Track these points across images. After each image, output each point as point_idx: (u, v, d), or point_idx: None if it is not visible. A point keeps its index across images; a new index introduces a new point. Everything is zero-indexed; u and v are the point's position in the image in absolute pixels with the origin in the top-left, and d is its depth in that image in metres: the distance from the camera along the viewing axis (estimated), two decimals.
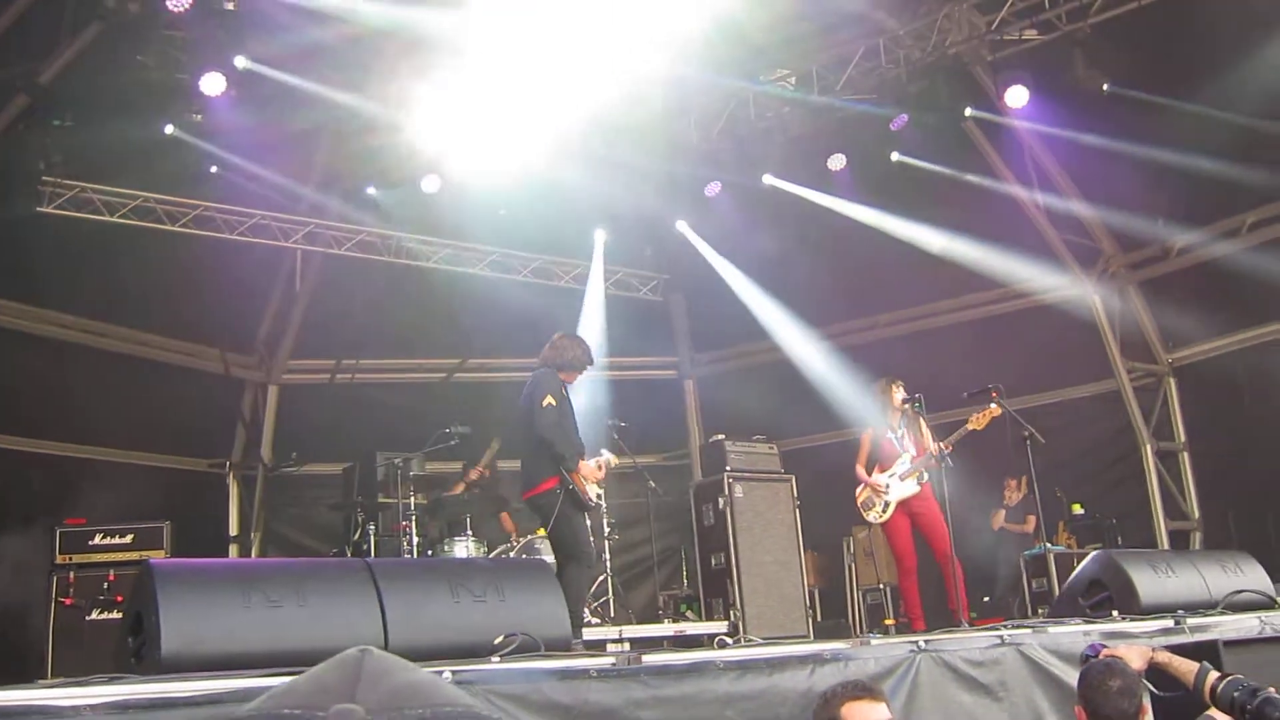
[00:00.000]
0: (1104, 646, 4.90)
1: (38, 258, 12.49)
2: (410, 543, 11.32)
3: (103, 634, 9.96)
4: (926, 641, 5.68)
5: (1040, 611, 10.67)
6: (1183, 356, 14.40)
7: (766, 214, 14.93)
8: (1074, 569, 8.86)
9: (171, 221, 13.10)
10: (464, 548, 11.08)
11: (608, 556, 11.76)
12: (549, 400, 8.20)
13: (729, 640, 7.64)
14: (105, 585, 10.38)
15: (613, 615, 11.45)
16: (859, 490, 10.11)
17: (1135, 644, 5.06)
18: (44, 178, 12.18)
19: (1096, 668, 4.33)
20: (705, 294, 16.53)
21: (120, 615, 9.79)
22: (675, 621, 12.08)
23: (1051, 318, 14.53)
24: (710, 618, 11.63)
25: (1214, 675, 4.57)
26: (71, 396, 12.57)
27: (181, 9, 10.47)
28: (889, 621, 12.57)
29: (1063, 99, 12.77)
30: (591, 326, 15.42)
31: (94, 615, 10.27)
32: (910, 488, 9.78)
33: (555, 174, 13.53)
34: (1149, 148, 12.57)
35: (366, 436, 13.49)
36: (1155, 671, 4.77)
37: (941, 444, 9.46)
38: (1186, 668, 4.67)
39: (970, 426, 9.57)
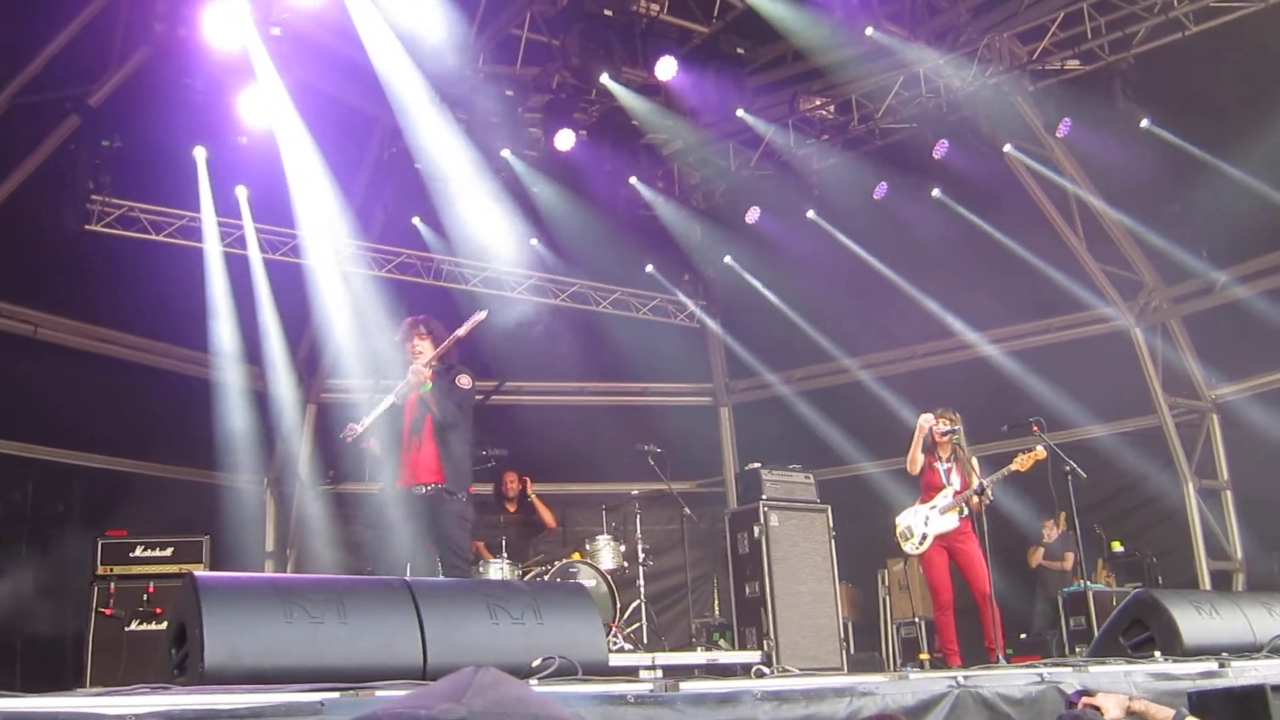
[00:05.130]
0: (1084, 693, 4.87)
1: (86, 275, 12.73)
2: None
3: (141, 645, 10.08)
4: (965, 677, 5.61)
5: (1078, 650, 10.55)
6: (1226, 393, 14.27)
7: (806, 240, 14.92)
8: (1113, 607, 8.76)
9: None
10: (499, 570, 11.09)
11: (642, 582, 11.74)
12: None
13: (766, 670, 7.60)
14: (145, 596, 10.50)
15: (645, 641, 11.42)
16: (897, 520, 10.00)
17: (1113, 693, 5.01)
18: (93, 196, 12.39)
19: None
20: (743, 321, 16.54)
21: (159, 627, 9.90)
22: (708, 650, 12.03)
23: (1093, 351, 14.44)
24: (743, 647, 11.56)
25: None
26: (114, 411, 12.68)
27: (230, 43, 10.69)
28: (924, 656, 12.49)
29: (1106, 129, 12.72)
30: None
31: (133, 626, 10.38)
32: (950, 522, 9.59)
33: None
34: (1191, 183, 12.55)
35: None
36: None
37: (984, 481, 9.36)
38: (1162, 715, 4.64)
39: (1014, 468, 9.32)
